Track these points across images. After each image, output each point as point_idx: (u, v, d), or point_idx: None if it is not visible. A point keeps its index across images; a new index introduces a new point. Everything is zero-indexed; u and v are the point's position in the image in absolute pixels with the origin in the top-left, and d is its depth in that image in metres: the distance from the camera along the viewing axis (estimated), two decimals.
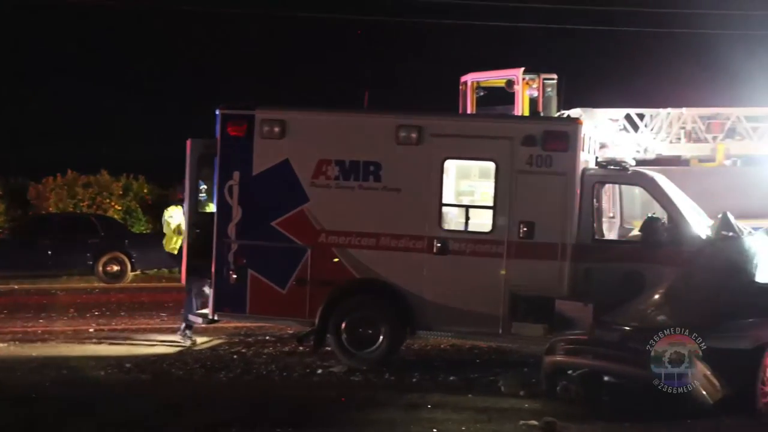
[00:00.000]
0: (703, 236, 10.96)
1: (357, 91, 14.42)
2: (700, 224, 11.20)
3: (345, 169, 11.59)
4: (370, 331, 11.45)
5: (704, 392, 8.85)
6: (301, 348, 12.28)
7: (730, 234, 10.77)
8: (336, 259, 11.54)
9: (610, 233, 12.47)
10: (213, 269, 11.86)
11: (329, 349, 11.66)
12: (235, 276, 11.77)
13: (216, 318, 12.16)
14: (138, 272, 22.29)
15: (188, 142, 12.24)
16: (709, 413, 8.83)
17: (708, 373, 8.88)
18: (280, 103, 12.73)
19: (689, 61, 30.72)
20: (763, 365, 9.19)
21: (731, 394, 8.95)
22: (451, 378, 10.79)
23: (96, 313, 16.01)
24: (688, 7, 27.85)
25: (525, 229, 11.14)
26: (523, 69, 16.65)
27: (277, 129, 11.72)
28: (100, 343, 13.04)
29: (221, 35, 38.05)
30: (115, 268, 21.62)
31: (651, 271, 10.79)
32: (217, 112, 11.94)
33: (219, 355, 12.20)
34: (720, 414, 8.83)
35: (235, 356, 12.14)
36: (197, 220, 12.32)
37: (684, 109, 17.56)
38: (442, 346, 12.98)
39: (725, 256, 10.43)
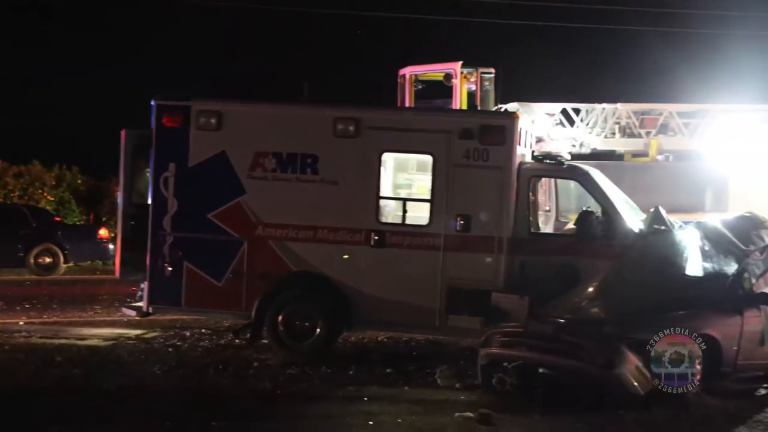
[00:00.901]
0: (636, 230, 11.12)
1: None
2: (633, 218, 11.36)
3: (282, 161, 11.53)
4: (307, 324, 11.42)
5: (636, 383, 9.00)
6: (237, 341, 12.18)
7: (662, 228, 10.95)
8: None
9: (546, 227, 12.60)
10: (148, 261, 11.70)
11: (265, 342, 11.59)
12: (170, 268, 11.64)
13: (151, 311, 11.99)
14: (71, 264, 21.93)
15: (122, 133, 12.07)
16: (641, 404, 8.97)
17: (639, 364, 9.03)
18: (219, 95, 12.57)
19: (624, 57, 31.19)
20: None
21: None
22: (388, 370, 10.80)
23: (27, 306, 15.69)
24: (622, 4, 28.27)
25: (462, 222, 11.20)
26: (461, 63, 16.76)
27: (213, 120, 11.62)
28: (30, 336, 12.75)
29: (158, 22, 37.54)
30: (48, 259, 21.22)
31: (585, 264, 10.91)
32: (153, 103, 11.80)
33: (153, 349, 12.04)
34: (651, 404, 8.98)
35: (170, 349, 12.00)
36: (132, 212, 12.14)
37: (618, 105, 17.85)
38: (379, 338, 13.01)
39: (657, 250, 10.60)
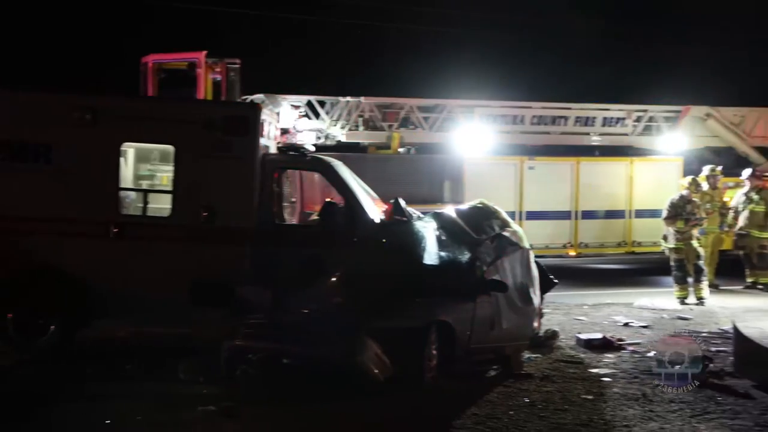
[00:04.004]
0: (377, 221, 11.42)
1: None
2: (374, 209, 11.65)
3: (12, 150, 10.91)
4: (41, 321, 10.85)
5: (376, 370, 9.23)
6: None
7: (401, 219, 11.31)
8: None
9: (292, 218, 12.67)
10: None
11: None
12: None
13: None
14: None
15: None
16: (381, 389, 9.22)
17: (379, 351, 9.28)
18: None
19: (369, 52, 31.94)
20: (429, 342, 9.79)
21: (402, 370, 9.42)
22: (128, 366, 10.47)
23: None
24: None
25: (206, 213, 11.04)
26: (205, 52, 16.53)
27: None
28: None
29: None
30: None
31: (329, 254, 11.04)
32: None
33: None
34: (391, 389, 9.24)
35: None
36: None
37: (362, 98, 18.34)
38: (121, 334, 12.55)
39: (396, 240, 10.94)
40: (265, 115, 11.70)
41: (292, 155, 11.95)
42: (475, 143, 18.62)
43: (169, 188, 11.28)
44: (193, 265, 11.01)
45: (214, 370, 9.88)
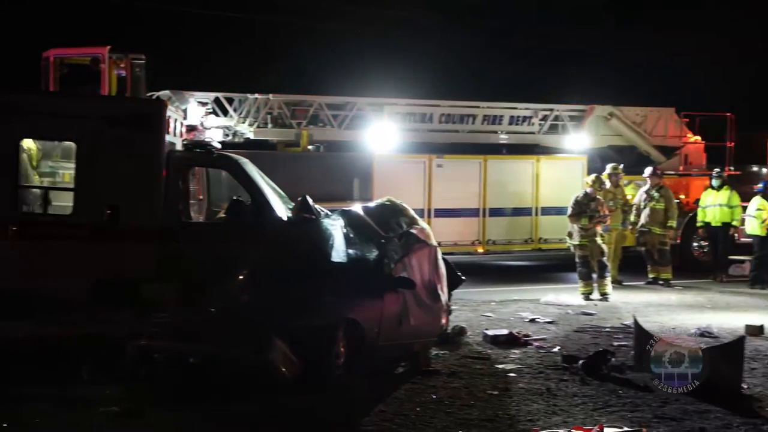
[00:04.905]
0: (285, 218, 11.36)
1: None
2: (281, 207, 11.58)
3: None
4: None
5: (284, 368, 9.20)
6: None
7: (309, 216, 11.26)
8: None
9: (199, 216, 12.53)
10: None
11: None
12: None
13: None
14: None
15: None
16: (289, 387, 9.20)
17: (287, 350, 9.25)
18: None
19: (277, 48, 31.82)
20: (337, 340, 9.80)
21: (309, 369, 9.40)
22: (30, 368, 10.19)
23: None
24: None
25: (109, 211, 10.81)
26: (109, 47, 16.18)
27: None
28: None
29: None
30: None
31: (236, 252, 10.91)
32: None
33: None
34: (298, 388, 9.22)
35: None
36: None
37: (271, 95, 18.22)
38: (21, 335, 12.19)
39: (304, 238, 10.90)
40: (171, 112, 11.54)
41: (199, 152, 11.81)
42: (384, 141, 18.67)
43: (71, 186, 11.02)
44: (96, 264, 10.76)
45: (118, 370, 9.71)
